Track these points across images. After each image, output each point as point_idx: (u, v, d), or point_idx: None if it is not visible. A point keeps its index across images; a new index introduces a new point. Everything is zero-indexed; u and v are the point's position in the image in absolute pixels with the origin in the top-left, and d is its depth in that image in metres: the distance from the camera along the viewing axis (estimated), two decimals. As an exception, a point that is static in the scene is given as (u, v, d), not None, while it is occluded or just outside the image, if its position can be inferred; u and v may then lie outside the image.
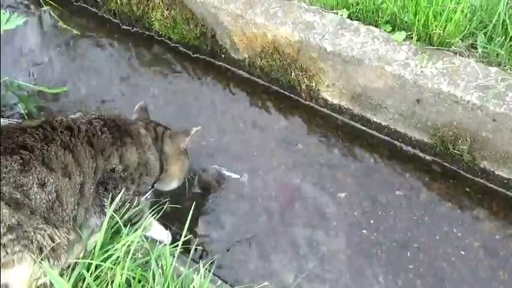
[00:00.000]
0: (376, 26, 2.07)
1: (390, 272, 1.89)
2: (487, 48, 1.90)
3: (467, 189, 2.05)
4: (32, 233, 1.30)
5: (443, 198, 2.04)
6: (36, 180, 1.36)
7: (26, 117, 2.30)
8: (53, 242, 1.34)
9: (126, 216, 1.59)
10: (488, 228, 1.96)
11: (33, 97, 2.48)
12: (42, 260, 1.32)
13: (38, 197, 1.35)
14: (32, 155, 1.38)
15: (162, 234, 1.81)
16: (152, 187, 1.84)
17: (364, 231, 2.00)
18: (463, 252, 1.91)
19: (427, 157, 2.15)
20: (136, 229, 1.55)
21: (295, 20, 2.16)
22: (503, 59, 1.87)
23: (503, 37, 1.87)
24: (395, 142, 2.21)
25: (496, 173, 2.00)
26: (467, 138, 1.95)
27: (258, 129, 2.35)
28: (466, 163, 2.05)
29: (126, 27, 2.84)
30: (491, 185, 2.04)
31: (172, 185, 1.94)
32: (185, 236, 1.50)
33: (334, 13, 2.15)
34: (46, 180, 1.38)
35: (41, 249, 1.32)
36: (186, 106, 2.48)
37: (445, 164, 2.12)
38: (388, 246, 1.95)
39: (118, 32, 2.84)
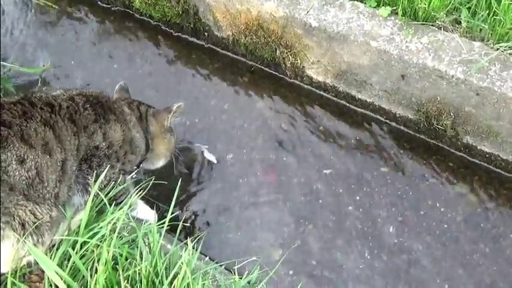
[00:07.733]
0: (361, 1, 2.06)
1: (375, 247, 1.92)
2: (470, 23, 1.91)
3: (450, 164, 2.09)
4: (13, 209, 1.27)
5: (427, 174, 2.07)
6: (14, 156, 1.32)
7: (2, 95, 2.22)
8: (36, 218, 1.31)
9: (111, 194, 1.56)
10: (470, 202, 2.00)
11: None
12: (25, 238, 1.28)
13: (17, 173, 1.32)
14: (10, 131, 1.34)
15: (149, 213, 1.79)
16: (138, 167, 1.81)
17: (350, 207, 2.02)
18: (446, 226, 1.94)
19: (411, 133, 2.17)
20: (122, 207, 1.52)
21: (279, -5, 2.13)
22: (486, 33, 1.89)
23: (487, 12, 1.88)
24: (380, 119, 2.22)
25: (478, 147, 2.03)
26: (451, 113, 1.97)
27: (242, 108, 2.33)
28: (449, 138, 2.08)
29: (105, 5, 2.76)
30: (473, 160, 2.08)
31: (160, 163, 1.92)
32: (172, 214, 1.48)
33: (319, -12, 2.12)
34: (25, 156, 1.34)
35: (23, 226, 1.29)
36: (169, 86, 2.43)
37: (428, 139, 2.14)
38: (373, 222, 1.97)
39: (96, 10, 2.75)
